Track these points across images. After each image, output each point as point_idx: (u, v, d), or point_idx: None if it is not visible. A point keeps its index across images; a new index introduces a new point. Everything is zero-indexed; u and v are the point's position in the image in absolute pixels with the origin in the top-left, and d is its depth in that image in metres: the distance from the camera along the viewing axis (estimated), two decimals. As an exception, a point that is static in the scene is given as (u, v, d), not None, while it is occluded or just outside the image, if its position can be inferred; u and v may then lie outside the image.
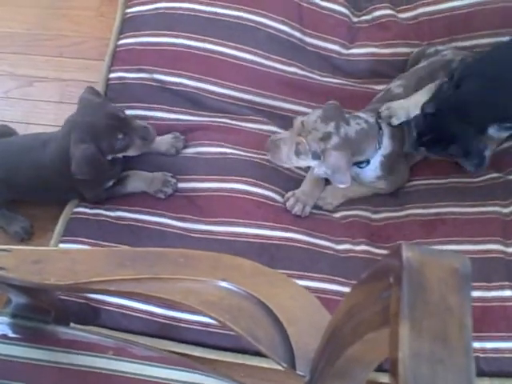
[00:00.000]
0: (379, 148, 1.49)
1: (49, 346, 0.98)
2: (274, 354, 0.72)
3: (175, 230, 1.52)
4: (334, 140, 1.39)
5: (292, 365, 0.71)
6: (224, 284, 0.74)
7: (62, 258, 0.79)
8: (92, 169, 1.45)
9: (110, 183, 1.58)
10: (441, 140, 1.45)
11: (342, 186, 1.44)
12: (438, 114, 1.43)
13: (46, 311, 1.00)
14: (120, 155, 1.51)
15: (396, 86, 1.59)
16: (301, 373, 0.70)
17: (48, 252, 0.80)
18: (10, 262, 0.79)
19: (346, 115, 1.45)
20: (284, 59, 1.76)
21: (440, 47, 1.67)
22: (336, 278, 1.44)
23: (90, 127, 1.45)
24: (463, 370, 0.36)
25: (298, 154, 1.43)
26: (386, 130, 1.50)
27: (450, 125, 1.43)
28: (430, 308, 0.38)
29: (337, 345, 0.58)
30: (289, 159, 1.46)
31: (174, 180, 1.58)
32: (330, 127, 1.40)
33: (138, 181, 1.59)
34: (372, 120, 1.48)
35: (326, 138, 1.39)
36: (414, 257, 0.40)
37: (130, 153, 1.52)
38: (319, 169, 1.44)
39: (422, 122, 1.46)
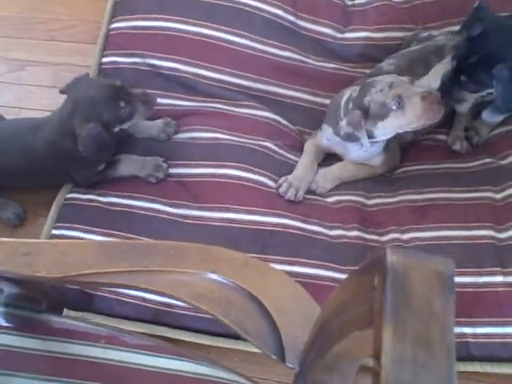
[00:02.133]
0: None
1: (41, 335, 0.99)
2: (263, 346, 0.72)
3: (168, 216, 1.52)
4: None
5: (282, 357, 0.71)
6: (214, 276, 0.75)
7: (52, 250, 0.79)
8: (99, 147, 1.45)
9: (102, 166, 1.57)
10: (485, 62, 1.41)
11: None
12: (485, 34, 1.41)
13: (39, 300, 1.00)
14: (126, 125, 1.51)
15: (387, 64, 1.60)
16: (290, 365, 0.70)
17: (38, 244, 0.80)
18: None
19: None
20: (278, 43, 1.75)
21: (434, 32, 1.67)
22: (329, 264, 1.45)
23: (91, 103, 1.44)
24: (445, 374, 0.37)
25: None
26: None
27: (498, 44, 1.40)
28: (414, 312, 0.39)
29: (325, 339, 0.58)
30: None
31: (165, 165, 1.58)
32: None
33: (129, 164, 1.59)
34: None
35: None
36: (398, 260, 0.40)
37: (137, 119, 1.51)
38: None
39: (465, 45, 1.44)
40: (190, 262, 0.76)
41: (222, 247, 0.78)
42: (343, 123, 1.44)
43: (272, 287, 0.75)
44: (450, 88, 1.50)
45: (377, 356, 0.39)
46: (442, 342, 0.37)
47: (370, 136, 1.44)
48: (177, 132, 1.66)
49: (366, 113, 1.41)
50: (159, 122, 1.65)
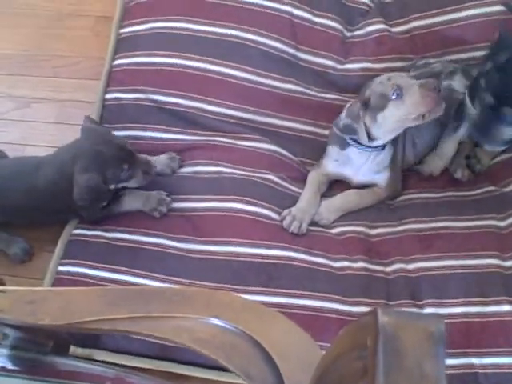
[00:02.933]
0: None
1: (48, 378, 0.99)
2: (266, 391, 0.73)
3: (173, 251, 1.52)
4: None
5: (285, 401, 0.72)
6: (216, 321, 0.75)
7: (56, 298, 0.80)
8: (94, 197, 1.48)
9: (105, 202, 1.58)
10: None
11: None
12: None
13: (44, 343, 1.01)
14: (121, 185, 1.54)
15: None
16: (293, 410, 0.71)
17: (42, 292, 0.81)
18: (4, 303, 0.80)
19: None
20: (279, 76, 1.76)
21: (431, 60, 1.69)
22: (334, 296, 1.45)
23: (98, 156, 1.47)
24: None
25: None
26: None
27: None
28: (405, 374, 0.39)
29: (325, 388, 0.59)
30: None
31: (168, 199, 1.59)
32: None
33: (133, 199, 1.60)
34: None
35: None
36: (389, 321, 0.40)
37: (131, 184, 1.55)
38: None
39: (496, 76, 1.36)
40: (193, 308, 0.77)
41: (225, 291, 0.78)
42: (343, 115, 1.50)
43: (274, 332, 0.75)
44: (488, 127, 1.43)
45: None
46: (434, 404, 0.38)
47: (370, 136, 1.48)
48: (181, 166, 1.67)
49: (365, 105, 1.46)
50: (163, 158, 1.67)
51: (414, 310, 1.39)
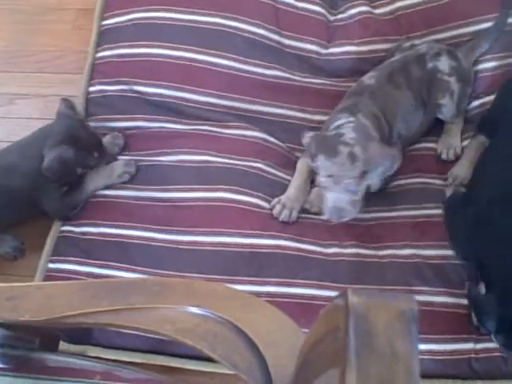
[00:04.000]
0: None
1: (36, 375, 0.98)
2: (252, 379, 0.72)
3: (162, 244, 1.51)
4: (356, 150, 1.39)
5: (270, 388, 0.71)
6: (198, 310, 0.74)
7: (36, 293, 0.78)
8: (62, 171, 1.49)
9: (65, 188, 1.58)
10: None
11: (398, 163, 1.45)
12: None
13: (31, 339, 1.00)
14: (83, 171, 1.56)
15: (368, 77, 1.60)
16: (279, 397, 0.70)
17: (22, 288, 0.80)
18: (-16, 300, 0.78)
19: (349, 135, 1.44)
20: (263, 63, 1.75)
21: (416, 41, 1.67)
22: (326, 284, 1.43)
23: (74, 137, 1.50)
24: (410, 418, 0.36)
25: (354, 192, 1.42)
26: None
27: None
28: (377, 354, 0.38)
29: (307, 373, 0.58)
30: (356, 202, 1.44)
31: (133, 160, 1.62)
32: (343, 151, 1.40)
33: (96, 177, 1.60)
34: (352, 119, 1.48)
35: (352, 157, 1.39)
36: (359, 302, 0.39)
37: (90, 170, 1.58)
38: (373, 176, 1.44)
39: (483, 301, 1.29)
40: (174, 298, 0.76)
41: (205, 280, 0.77)
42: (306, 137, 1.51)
43: (257, 319, 0.74)
44: None
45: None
46: (407, 384, 0.37)
47: None
48: (167, 154, 1.65)
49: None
50: (108, 137, 1.67)
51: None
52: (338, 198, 1.42)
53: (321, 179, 1.44)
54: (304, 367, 0.58)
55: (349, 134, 1.42)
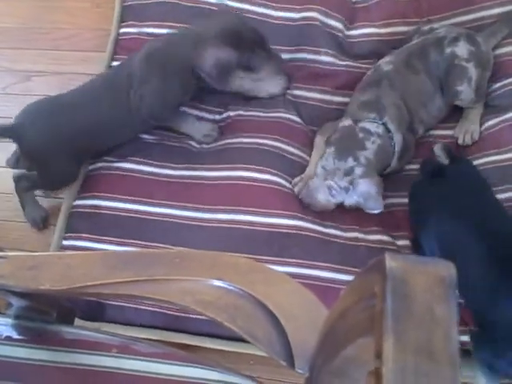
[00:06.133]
0: (394, 151, 1.50)
1: (52, 346, 0.98)
2: (272, 352, 0.71)
3: (181, 221, 1.50)
4: (358, 171, 1.41)
5: (291, 362, 0.70)
6: (219, 283, 0.73)
7: (57, 262, 0.78)
8: (222, 77, 1.40)
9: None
10: None
11: (375, 211, 1.45)
12: None
13: (48, 312, 1.00)
14: (240, 77, 1.47)
15: (385, 62, 1.58)
16: (300, 370, 0.69)
17: (43, 257, 0.80)
18: (6, 269, 0.78)
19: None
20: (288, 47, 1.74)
21: (435, 25, 1.64)
22: (345, 268, 1.43)
23: (235, 33, 1.38)
24: (449, 383, 0.35)
25: (333, 196, 1.45)
26: (395, 133, 1.50)
27: None
28: (415, 320, 0.37)
29: (332, 345, 0.57)
30: (328, 203, 1.48)
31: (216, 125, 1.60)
32: (350, 162, 1.41)
33: (191, 120, 1.60)
34: (381, 129, 1.47)
35: (349, 172, 1.41)
36: (398, 266, 0.38)
37: (253, 80, 1.51)
38: (350, 199, 1.45)
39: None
40: (196, 270, 0.75)
41: (228, 253, 0.77)
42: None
43: (279, 292, 0.73)
44: None
45: (378, 365, 0.38)
46: (445, 350, 0.36)
47: None
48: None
49: None
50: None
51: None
52: (317, 187, 1.46)
53: (319, 163, 1.47)
54: (330, 338, 0.57)
55: (368, 153, 1.43)
